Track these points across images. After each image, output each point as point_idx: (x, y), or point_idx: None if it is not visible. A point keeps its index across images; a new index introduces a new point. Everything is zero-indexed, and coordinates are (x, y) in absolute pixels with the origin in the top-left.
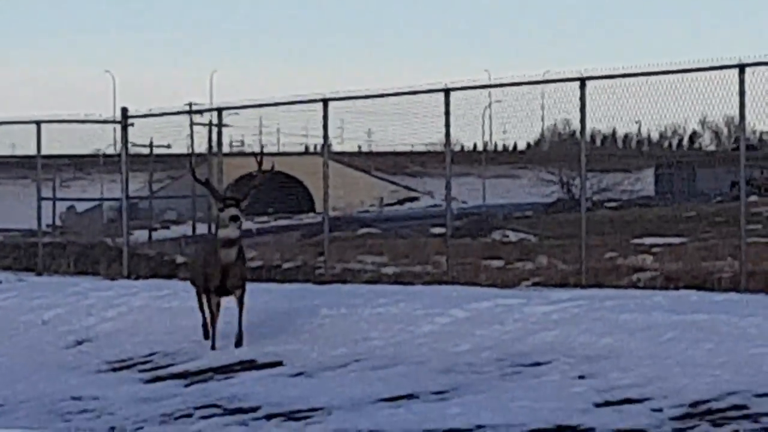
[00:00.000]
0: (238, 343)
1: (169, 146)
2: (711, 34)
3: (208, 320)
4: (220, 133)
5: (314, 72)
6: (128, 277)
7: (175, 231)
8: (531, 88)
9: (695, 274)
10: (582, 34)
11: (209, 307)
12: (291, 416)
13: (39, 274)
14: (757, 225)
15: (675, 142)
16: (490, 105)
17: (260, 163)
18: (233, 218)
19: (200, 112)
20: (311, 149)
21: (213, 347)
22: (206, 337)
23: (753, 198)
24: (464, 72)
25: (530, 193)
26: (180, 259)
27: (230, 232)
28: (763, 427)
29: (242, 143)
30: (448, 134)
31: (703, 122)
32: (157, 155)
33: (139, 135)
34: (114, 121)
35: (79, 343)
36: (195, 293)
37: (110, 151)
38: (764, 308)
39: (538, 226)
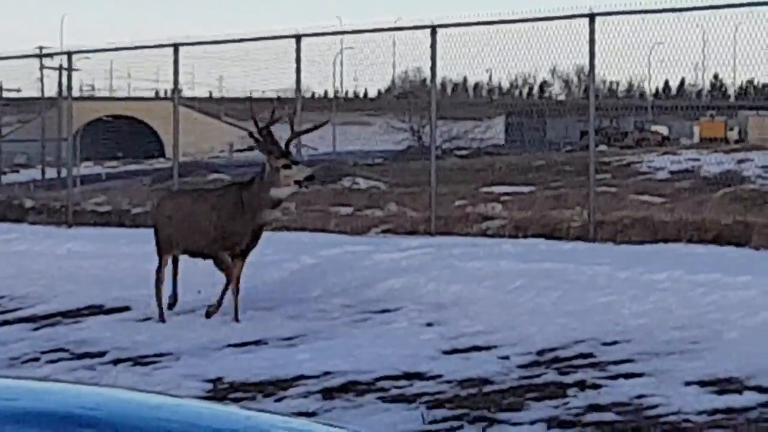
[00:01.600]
0: (236, 319)
1: (19, 90)
2: None
3: (166, 291)
4: (70, 77)
5: (165, 17)
6: None
7: (25, 175)
8: (382, 35)
9: (544, 223)
10: None
11: (225, 267)
12: (139, 361)
13: None
14: (606, 174)
15: (525, 91)
16: (341, 52)
17: (272, 114)
18: (308, 178)
19: (50, 55)
20: (162, 94)
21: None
22: (161, 315)
23: (602, 147)
24: (316, 18)
25: (381, 141)
26: (29, 203)
27: (287, 191)
28: (609, 375)
29: (93, 88)
30: (298, 81)
31: (553, 71)
32: (7, 99)
33: None
34: None
35: None
36: (157, 253)
37: None
38: (612, 257)
39: (388, 173)
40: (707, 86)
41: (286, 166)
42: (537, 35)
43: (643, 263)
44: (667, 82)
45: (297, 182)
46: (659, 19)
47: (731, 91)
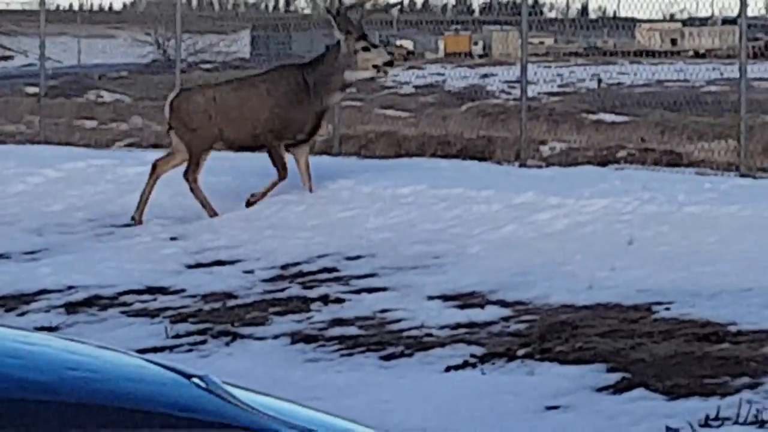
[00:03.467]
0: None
1: None
2: None
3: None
4: None
5: None
6: None
7: None
8: None
9: None
10: None
11: (280, 161)
12: None
13: None
14: (351, 88)
15: (271, 5)
16: None
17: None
18: (388, 63)
19: None
20: None
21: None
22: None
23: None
24: None
25: (126, 54)
26: None
27: (364, 75)
28: (352, 290)
29: None
30: None
31: None
32: None
33: None
34: None
35: None
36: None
37: None
38: (356, 171)
39: (133, 86)
40: (452, 1)
41: (366, 49)
42: None
43: (387, 177)
44: None
45: (375, 66)
46: None
47: (476, 6)
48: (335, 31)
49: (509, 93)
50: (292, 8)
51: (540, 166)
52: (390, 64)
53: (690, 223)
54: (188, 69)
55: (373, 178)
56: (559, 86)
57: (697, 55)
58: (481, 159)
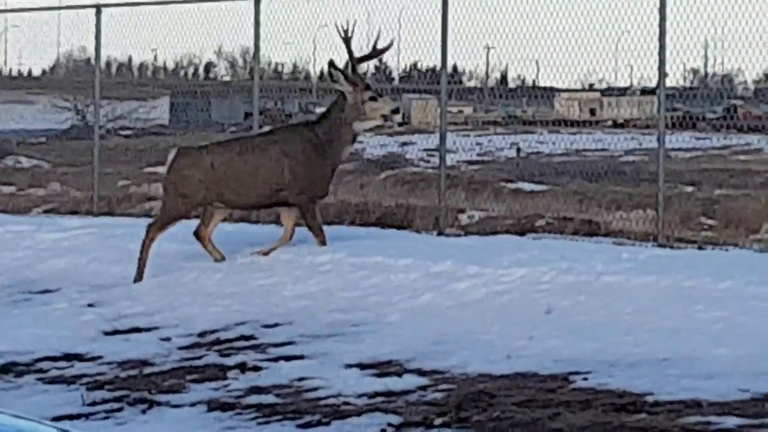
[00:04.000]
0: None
1: None
2: None
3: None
4: None
5: None
6: None
7: None
8: (47, 14)
9: None
10: None
11: (316, 223)
12: None
13: None
14: None
15: (191, 72)
16: (6, 30)
17: (376, 43)
18: (395, 111)
19: None
20: None
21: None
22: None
23: (266, 128)
24: None
25: (45, 119)
26: None
27: (371, 125)
28: (270, 357)
29: None
30: None
31: (219, 52)
32: None
33: None
34: None
35: None
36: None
37: None
38: (272, 239)
39: (52, 152)
40: (372, 68)
41: (373, 98)
42: (203, 16)
43: (306, 245)
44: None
45: (383, 116)
46: (325, 0)
47: (395, 74)
48: (341, 85)
49: (428, 161)
50: (211, 75)
51: (458, 235)
52: (396, 111)
53: (607, 292)
54: (107, 135)
55: (292, 246)
56: (479, 155)
57: (615, 124)
58: (400, 227)
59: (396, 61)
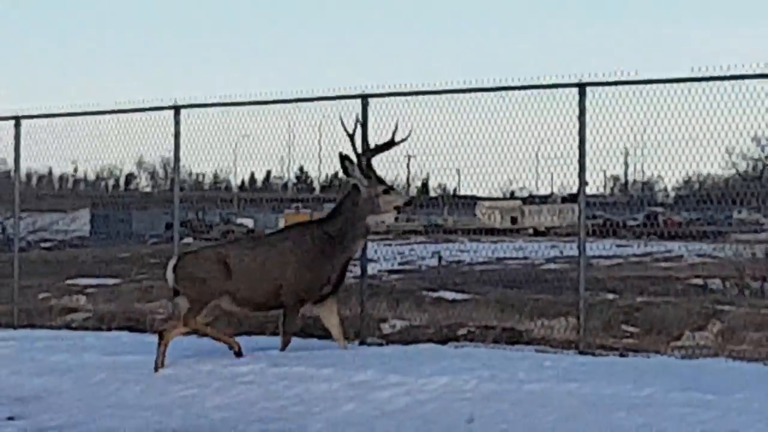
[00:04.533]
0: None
1: None
2: (149, 79)
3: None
4: None
5: None
6: None
7: None
8: None
9: (129, 316)
10: (18, 76)
11: (293, 325)
12: None
13: None
14: None
15: (111, 183)
16: None
17: (393, 135)
18: (407, 203)
19: None
20: None
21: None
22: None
23: (188, 240)
24: None
25: None
26: None
27: (386, 217)
28: None
29: None
30: None
31: (139, 163)
32: None
33: None
34: None
35: None
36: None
37: None
38: (193, 349)
39: None
40: (293, 178)
41: (386, 192)
42: (123, 127)
43: (227, 356)
44: (253, 175)
45: (396, 208)
46: (245, 111)
47: (316, 184)
48: (355, 178)
49: (349, 271)
50: (132, 186)
51: (380, 344)
52: (409, 204)
53: (530, 400)
54: (27, 248)
55: (212, 357)
56: (400, 264)
57: (537, 232)
58: (321, 337)
59: (317, 171)
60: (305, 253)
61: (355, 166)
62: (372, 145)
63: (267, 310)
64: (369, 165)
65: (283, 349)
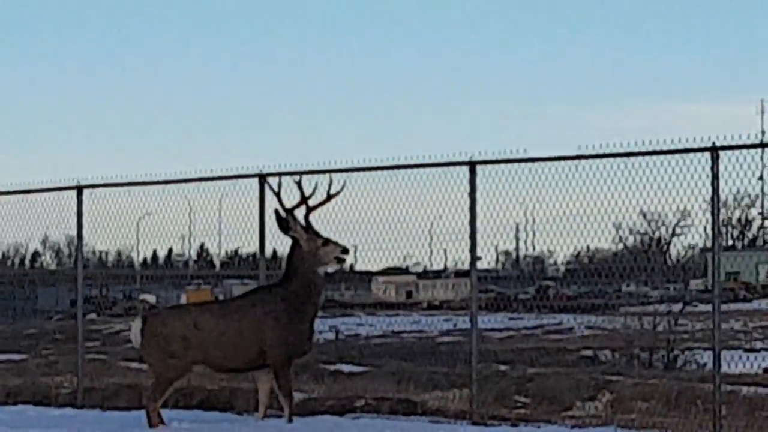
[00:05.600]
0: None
1: None
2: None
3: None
4: None
5: None
6: None
7: None
8: None
9: (35, 390)
10: None
11: (288, 385)
12: None
13: None
14: (96, 342)
15: (17, 261)
16: None
17: (329, 191)
18: (345, 251)
19: None
20: None
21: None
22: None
23: (92, 316)
24: None
25: None
26: None
27: (329, 268)
28: None
29: None
30: None
31: (45, 242)
32: None
33: None
34: None
35: None
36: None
37: None
38: (98, 423)
39: None
40: (194, 255)
41: (326, 243)
42: (28, 206)
43: (131, 428)
44: (155, 252)
45: (336, 258)
46: (147, 190)
47: (217, 261)
48: (296, 233)
49: None
50: (37, 264)
51: (280, 416)
52: (346, 252)
53: None
54: None
55: (117, 430)
56: None
57: (431, 306)
58: (222, 410)
59: (217, 248)
60: (282, 313)
61: (296, 222)
62: (310, 203)
63: (246, 372)
64: (307, 221)
65: (290, 419)
